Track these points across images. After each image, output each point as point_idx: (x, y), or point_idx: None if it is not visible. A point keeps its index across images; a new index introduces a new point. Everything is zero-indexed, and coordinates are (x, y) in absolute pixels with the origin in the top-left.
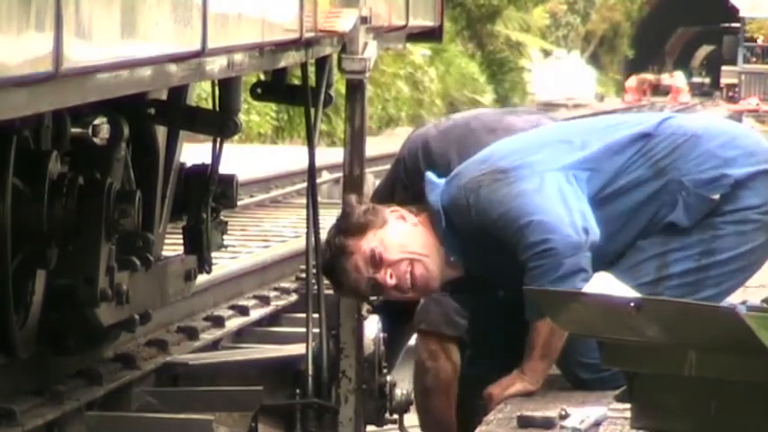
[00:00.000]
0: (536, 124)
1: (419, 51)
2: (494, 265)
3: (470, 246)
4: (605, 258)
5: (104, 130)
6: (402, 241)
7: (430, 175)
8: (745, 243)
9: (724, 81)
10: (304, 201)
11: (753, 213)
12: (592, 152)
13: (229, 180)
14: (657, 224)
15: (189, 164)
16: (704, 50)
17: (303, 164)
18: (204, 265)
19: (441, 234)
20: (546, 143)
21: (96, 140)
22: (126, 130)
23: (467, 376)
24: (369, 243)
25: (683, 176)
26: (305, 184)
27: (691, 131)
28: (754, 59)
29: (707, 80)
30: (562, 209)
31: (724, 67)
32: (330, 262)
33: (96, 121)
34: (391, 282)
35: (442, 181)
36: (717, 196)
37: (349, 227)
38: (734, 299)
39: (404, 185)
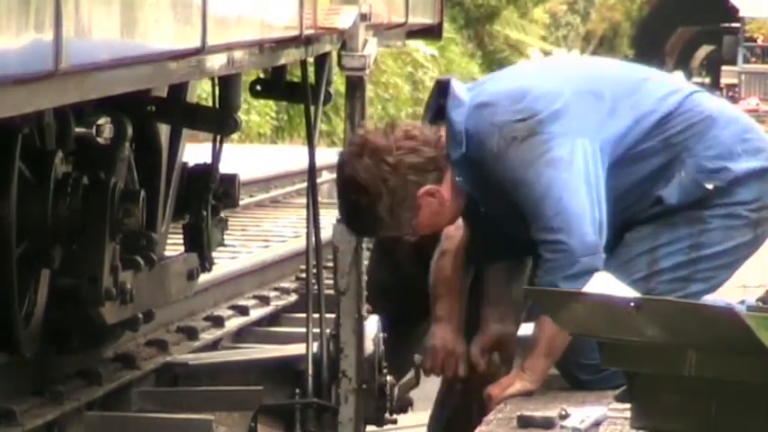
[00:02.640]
0: None
1: (422, 51)
2: (495, 203)
3: (481, 181)
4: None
5: (108, 130)
6: (434, 221)
7: (455, 85)
8: (733, 238)
9: (724, 81)
10: (304, 201)
11: (742, 209)
12: (620, 128)
13: (231, 179)
14: (651, 196)
15: (190, 163)
16: (704, 50)
17: (303, 164)
18: (205, 262)
19: (454, 156)
20: (578, 90)
21: (100, 140)
22: (129, 130)
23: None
24: (404, 232)
25: (689, 158)
26: (305, 184)
27: (707, 112)
28: (754, 59)
29: (707, 80)
30: (586, 198)
31: (724, 67)
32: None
33: (100, 121)
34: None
35: (466, 96)
36: (711, 186)
37: (384, 231)
38: (733, 299)
39: None
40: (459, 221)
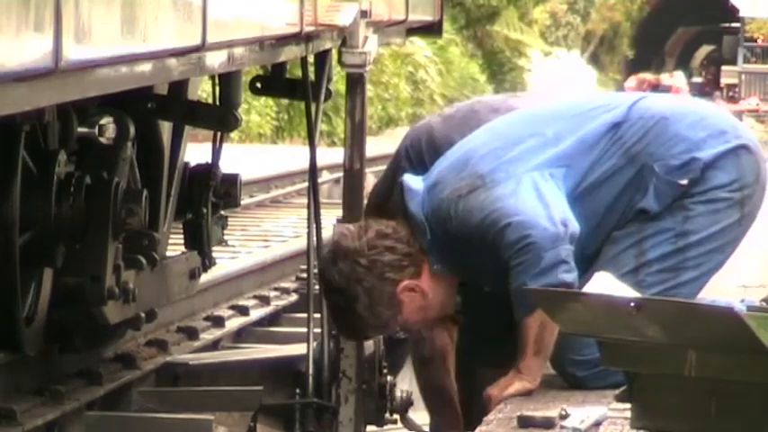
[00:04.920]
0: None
1: (422, 52)
2: (479, 271)
3: (455, 254)
4: (587, 251)
5: (110, 130)
6: (423, 316)
7: (407, 179)
8: (718, 222)
9: (724, 81)
10: (304, 201)
11: (722, 192)
12: (565, 148)
13: (233, 179)
14: (632, 210)
15: (191, 163)
16: (704, 50)
17: (303, 164)
18: (205, 260)
19: (425, 244)
20: (519, 138)
21: (102, 140)
22: (131, 130)
23: (461, 347)
24: (392, 329)
25: (655, 162)
26: (305, 184)
27: (659, 114)
28: (754, 59)
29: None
30: (538, 205)
31: (724, 67)
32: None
33: (102, 121)
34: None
35: (420, 186)
36: (686, 181)
37: (371, 330)
38: (734, 298)
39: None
40: (436, 332)
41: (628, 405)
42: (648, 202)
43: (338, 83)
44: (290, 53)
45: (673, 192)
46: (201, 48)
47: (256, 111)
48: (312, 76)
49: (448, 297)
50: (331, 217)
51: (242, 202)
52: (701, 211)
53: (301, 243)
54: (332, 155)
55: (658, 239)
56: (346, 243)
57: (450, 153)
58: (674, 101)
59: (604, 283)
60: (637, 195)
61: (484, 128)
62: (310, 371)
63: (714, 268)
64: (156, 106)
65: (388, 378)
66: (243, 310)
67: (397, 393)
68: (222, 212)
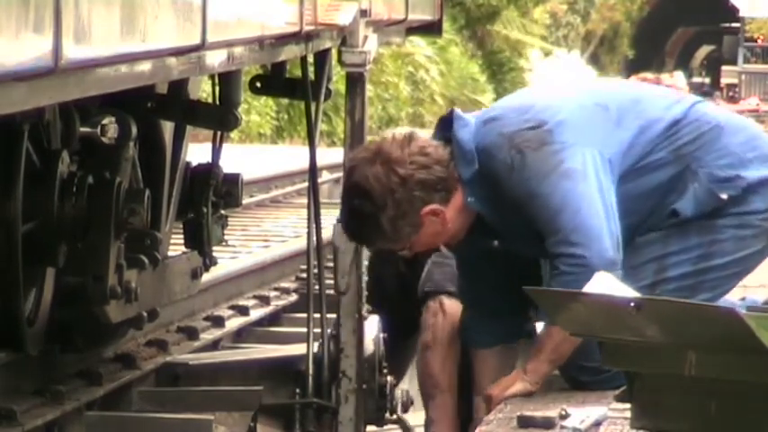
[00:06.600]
0: None
1: (422, 52)
2: (510, 219)
3: (494, 197)
4: None
5: (112, 130)
6: (433, 241)
7: (458, 110)
8: (744, 248)
9: (724, 81)
10: (304, 201)
11: (755, 219)
12: (627, 134)
13: (234, 179)
14: (665, 209)
15: (192, 163)
16: (704, 50)
17: (303, 164)
18: (206, 259)
19: (466, 175)
20: (582, 103)
21: (104, 140)
22: (134, 130)
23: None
24: (401, 246)
25: (700, 168)
26: (305, 184)
27: (715, 121)
28: (754, 59)
29: (707, 80)
30: (602, 211)
31: (724, 67)
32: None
33: (104, 121)
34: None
35: (472, 118)
36: (726, 196)
37: (382, 242)
38: (733, 297)
39: None
40: (440, 321)
41: (628, 405)
42: (684, 205)
43: (338, 82)
44: (289, 52)
45: (711, 202)
46: (201, 47)
47: (256, 111)
48: (312, 75)
49: (463, 228)
50: (331, 217)
51: (242, 202)
52: (730, 236)
53: (301, 243)
54: (332, 155)
55: (681, 258)
56: (389, 148)
57: (507, 99)
58: (730, 114)
59: (604, 283)
60: (673, 195)
61: (541, 87)
62: (310, 371)
63: (727, 291)
64: (156, 106)
65: (388, 378)
66: (243, 310)
67: (397, 393)
68: (222, 212)
